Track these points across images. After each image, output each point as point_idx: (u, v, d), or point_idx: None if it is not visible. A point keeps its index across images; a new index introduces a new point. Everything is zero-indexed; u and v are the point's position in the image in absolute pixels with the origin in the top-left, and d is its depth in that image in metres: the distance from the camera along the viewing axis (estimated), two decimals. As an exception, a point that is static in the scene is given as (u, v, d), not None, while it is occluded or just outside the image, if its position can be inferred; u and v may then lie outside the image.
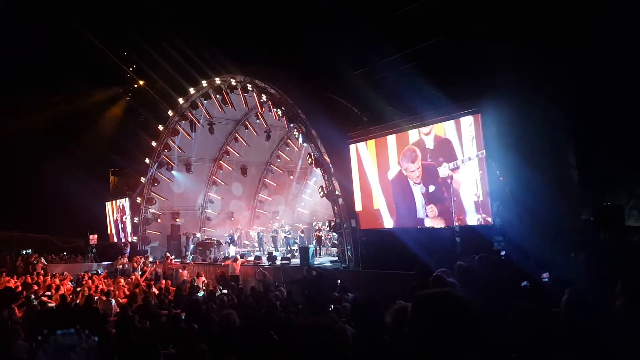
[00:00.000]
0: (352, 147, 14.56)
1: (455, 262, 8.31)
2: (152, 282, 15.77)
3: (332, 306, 7.91)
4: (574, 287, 2.72)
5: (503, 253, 10.03)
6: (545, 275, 7.70)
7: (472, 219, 11.36)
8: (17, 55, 24.83)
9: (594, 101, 11.60)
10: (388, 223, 13.60)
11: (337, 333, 1.99)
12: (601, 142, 12.37)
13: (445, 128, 12.01)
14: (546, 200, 10.06)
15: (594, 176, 12.52)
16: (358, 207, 14.50)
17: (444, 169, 11.92)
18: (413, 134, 12.80)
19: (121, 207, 26.27)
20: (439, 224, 12.26)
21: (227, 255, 20.00)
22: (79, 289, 13.76)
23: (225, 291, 11.87)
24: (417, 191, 12.80)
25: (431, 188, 12.40)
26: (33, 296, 11.38)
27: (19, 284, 15.17)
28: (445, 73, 12.42)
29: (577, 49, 10.88)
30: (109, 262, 22.61)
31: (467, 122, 11.50)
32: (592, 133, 12.15)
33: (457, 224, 11.51)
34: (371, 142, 14.03)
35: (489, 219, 10.99)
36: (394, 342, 2.47)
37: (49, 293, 13.01)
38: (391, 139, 13.39)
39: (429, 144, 12.28)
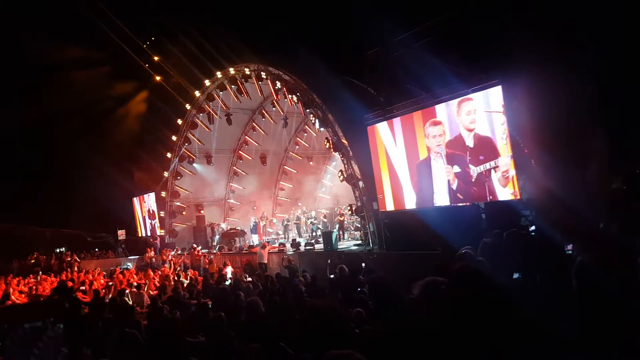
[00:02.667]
0: (370, 128, 14.38)
1: (481, 239, 8.20)
2: (182, 272, 16.08)
3: (358, 289, 7.87)
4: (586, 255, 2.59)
5: (532, 228, 9.77)
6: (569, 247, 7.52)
7: (501, 194, 11.06)
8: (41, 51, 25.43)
9: (626, 63, 11.03)
10: (411, 203, 13.44)
11: (343, 315, 2.00)
12: (634, 107, 11.81)
13: (464, 105, 11.71)
14: (573, 171, 9.74)
15: (625, 143, 12.03)
16: (379, 189, 14.37)
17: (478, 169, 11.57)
18: (440, 109, 12.47)
19: (147, 202, 26.75)
20: (464, 201, 12.04)
21: (251, 244, 20.21)
22: (111, 284, 14.14)
23: (250, 279, 11.99)
24: (441, 169, 12.58)
25: (456, 168, 12.16)
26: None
27: (55, 281, 15.71)
28: (463, 46, 12.01)
29: (605, 6, 10.33)
30: (138, 256, 23.14)
31: (488, 95, 11.19)
32: (625, 97, 11.58)
33: (484, 201, 11.26)
34: (390, 122, 13.82)
35: (510, 193, 10.73)
36: (417, 316, 2.42)
37: (83, 288, 13.39)
38: (415, 117, 13.13)
39: (469, 142, 11.80)
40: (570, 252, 7.63)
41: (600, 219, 8.63)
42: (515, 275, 4.80)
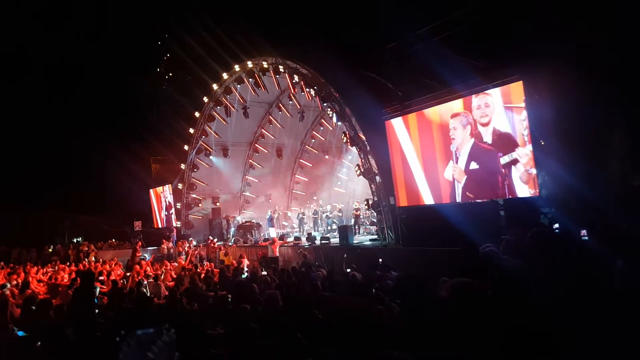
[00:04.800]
0: (388, 123, 14.28)
1: (499, 236, 8.09)
2: (197, 265, 16.23)
3: (375, 284, 7.85)
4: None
5: (556, 226, 9.59)
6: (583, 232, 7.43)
7: (521, 191, 10.90)
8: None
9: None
10: (428, 199, 13.34)
11: (373, 314, 1.99)
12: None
13: (482, 100, 11.54)
14: (593, 169, 9.55)
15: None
16: (396, 184, 14.28)
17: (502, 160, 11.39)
18: (457, 105, 12.33)
19: (164, 194, 27.04)
20: (483, 197, 11.91)
21: (267, 236, 20.31)
22: (128, 274, 14.32)
23: (265, 273, 12.05)
24: (451, 166, 12.45)
25: (473, 165, 12.01)
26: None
27: (72, 271, 15.98)
28: (483, 40, 11.81)
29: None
30: (155, 247, 23.42)
31: (508, 89, 11.00)
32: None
33: (504, 197, 11.13)
34: (408, 117, 13.70)
35: (536, 191, 10.56)
36: (445, 317, 2.39)
37: (101, 278, 13.60)
38: (432, 112, 13.00)
39: (487, 137, 11.61)
40: (585, 238, 7.53)
41: (622, 216, 8.47)
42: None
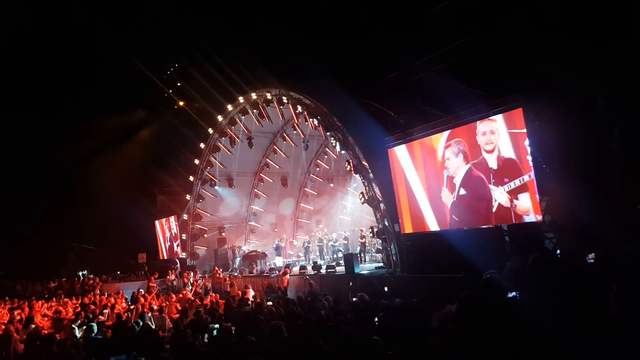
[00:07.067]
0: (391, 151, 14.40)
1: (505, 262, 8.05)
2: (202, 296, 16.10)
3: (380, 314, 7.77)
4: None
5: (558, 252, 9.54)
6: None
7: (525, 216, 10.88)
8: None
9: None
10: (433, 225, 13.31)
11: (369, 345, 2.02)
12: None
13: (487, 126, 11.67)
14: (596, 193, 9.54)
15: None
16: (400, 211, 14.28)
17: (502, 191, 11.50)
18: (448, 135, 12.57)
19: (170, 225, 27.10)
20: (486, 223, 11.88)
21: (272, 266, 20.19)
22: (132, 307, 14.23)
23: (270, 303, 11.95)
24: (452, 188, 12.49)
25: (462, 191, 12.14)
26: (91, 315, 11.85)
27: (77, 304, 15.91)
28: (483, 69, 12.04)
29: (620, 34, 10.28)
30: (161, 279, 23.30)
31: (509, 116, 11.13)
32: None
33: (488, 225, 11.23)
34: (411, 145, 13.83)
35: (539, 216, 10.54)
36: (439, 346, 2.41)
37: (106, 311, 13.53)
38: (434, 139, 13.15)
39: (492, 163, 11.73)
40: (591, 260, 7.45)
41: (626, 240, 8.41)
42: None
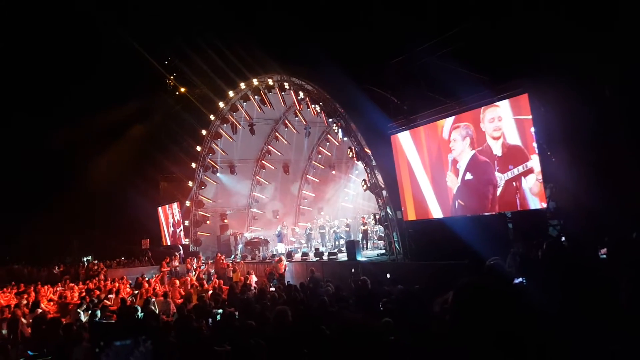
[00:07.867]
0: (394, 137, 14.33)
1: (509, 248, 8.04)
2: (205, 282, 16.21)
3: (384, 299, 7.81)
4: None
5: (563, 239, 9.51)
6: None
7: (530, 202, 10.84)
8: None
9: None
10: (436, 213, 13.30)
11: (373, 329, 2.02)
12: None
13: (493, 112, 11.58)
14: (604, 179, 9.49)
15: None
16: (403, 198, 14.26)
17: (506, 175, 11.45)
18: (464, 118, 12.42)
19: (172, 212, 27.20)
20: (490, 210, 11.86)
21: (274, 252, 20.29)
22: (137, 292, 14.35)
23: (272, 289, 12.01)
24: (457, 173, 12.45)
25: (468, 175, 12.04)
26: (96, 300, 11.95)
27: (82, 289, 16.06)
28: (488, 54, 11.90)
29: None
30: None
31: (515, 102, 11.03)
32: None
33: (493, 211, 11.18)
34: (414, 131, 13.76)
35: (543, 203, 10.50)
36: (440, 331, 2.41)
37: (111, 296, 13.64)
38: (438, 125, 13.05)
39: (497, 150, 11.63)
40: (603, 256, 7.41)
41: (632, 227, 8.37)
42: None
